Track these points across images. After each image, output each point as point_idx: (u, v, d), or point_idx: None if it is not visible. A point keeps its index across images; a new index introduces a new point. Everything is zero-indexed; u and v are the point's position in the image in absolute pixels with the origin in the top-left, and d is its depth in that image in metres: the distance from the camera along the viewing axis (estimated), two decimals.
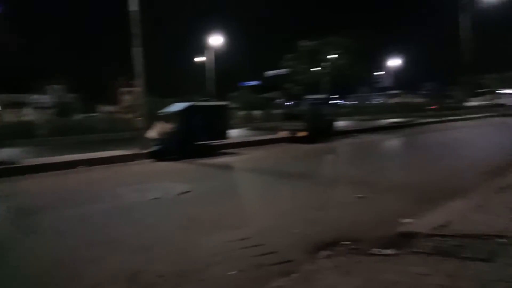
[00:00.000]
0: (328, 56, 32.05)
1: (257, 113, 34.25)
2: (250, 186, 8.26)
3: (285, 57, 33.63)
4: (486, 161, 9.59)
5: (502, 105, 39.72)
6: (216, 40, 40.09)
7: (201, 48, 43.03)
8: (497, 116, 32.08)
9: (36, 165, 10.79)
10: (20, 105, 43.09)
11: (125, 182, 8.82)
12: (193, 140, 12.74)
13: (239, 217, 5.69)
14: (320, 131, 16.60)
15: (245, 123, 30.60)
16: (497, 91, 55.89)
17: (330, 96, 24.86)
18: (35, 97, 46.17)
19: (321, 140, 15.97)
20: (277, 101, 33.57)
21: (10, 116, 34.65)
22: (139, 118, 14.55)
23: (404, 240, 4.07)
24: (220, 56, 42.76)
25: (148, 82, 14.69)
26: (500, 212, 4.88)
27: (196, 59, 45.51)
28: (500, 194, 5.83)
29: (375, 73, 71.64)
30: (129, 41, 13.74)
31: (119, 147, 13.38)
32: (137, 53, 13.78)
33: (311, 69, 32.74)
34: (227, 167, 11.03)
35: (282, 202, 6.53)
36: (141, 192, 7.48)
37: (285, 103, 23.42)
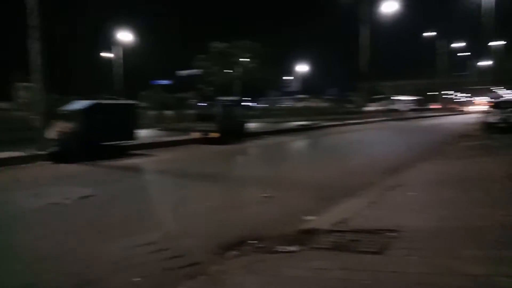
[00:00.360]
0: (240, 59, 32.54)
1: (169, 113, 33.38)
2: (158, 189, 8.03)
3: (198, 57, 33.33)
4: (382, 161, 10.53)
5: (396, 110, 43.94)
6: (125, 36, 38.39)
7: (109, 44, 40.88)
8: (391, 120, 35.47)
9: None
10: None
11: (19, 187, 8.01)
12: (97, 141, 11.98)
13: (145, 221, 5.49)
14: (232, 132, 16.77)
15: (156, 123, 29.64)
16: (391, 97, 61.85)
17: (242, 98, 25.27)
18: None
19: (233, 142, 16.14)
20: (190, 101, 33.13)
21: None
22: (37, 116, 13.29)
23: (306, 237, 4.27)
24: (130, 53, 41.00)
25: (49, 78, 13.50)
26: (391, 208, 5.38)
27: (103, 54, 43.03)
28: (391, 192, 6.43)
29: (284, 78, 74.65)
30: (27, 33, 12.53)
31: (13, 148, 12.06)
32: (34, 46, 12.60)
33: (224, 71, 32.92)
34: (134, 169, 10.59)
35: (191, 204, 6.46)
36: (37, 197, 6.83)
37: (198, 104, 23.21)
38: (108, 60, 42.15)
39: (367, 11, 34.75)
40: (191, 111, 21.18)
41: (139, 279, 3.57)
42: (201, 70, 34.79)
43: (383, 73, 60.86)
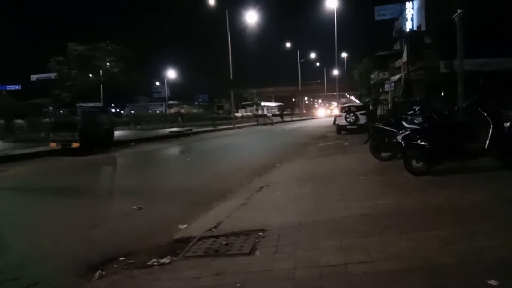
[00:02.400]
0: (103, 63, 30.48)
1: (20, 122, 29.53)
2: (5, 209, 6.97)
3: (54, 60, 30.10)
4: (251, 163, 10.99)
5: (263, 116, 46.47)
6: None
7: None
8: (258, 125, 37.42)
9: None
10: None
11: None
12: None
13: None
14: (96, 141, 15.60)
15: (4, 133, 25.94)
16: (258, 103, 65.36)
17: (107, 104, 23.69)
18: None
19: (97, 151, 15.02)
20: (46, 108, 29.78)
21: None
22: None
23: (179, 246, 4.20)
24: None
25: None
26: (259, 208, 5.63)
27: None
28: (259, 192, 6.75)
29: (153, 83, 72.84)
30: None
31: None
32: None
33: (85, 75, 30.39)
34: None
35: (49, 223, 5.76)
36: None
37: (55, 111, 20.98)
38: None
39: (230, 20, 36.07)
40: (47, 119, 19.08)
41: None
42: (56, 74, 31.47)
43: (250, 80, 64.07)
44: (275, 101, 76.92)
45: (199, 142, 20.65)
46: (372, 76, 36.91)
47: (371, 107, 24.35)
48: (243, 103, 64.85)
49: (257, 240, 4.11)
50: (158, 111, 62.42)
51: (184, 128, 27.79)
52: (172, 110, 52.17)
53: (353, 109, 20.97)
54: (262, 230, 4.41)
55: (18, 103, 33.26)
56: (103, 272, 3.70)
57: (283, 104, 72.63)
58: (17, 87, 50.30)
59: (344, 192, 6.15)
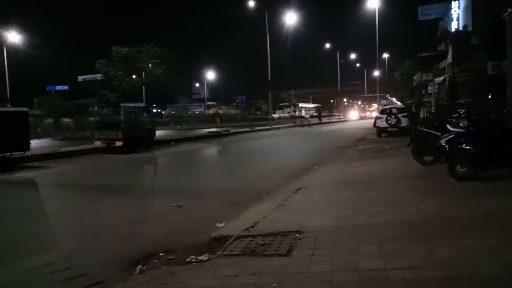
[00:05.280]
0: (146, 65, 31.50)
1: (68, 121, 31.02)
2: (56, 204, 7.37)
3: (99, 62, 31.49)
4: (288, 165, 10.97)
5: (301, 117, 46.24)
6: (12, 36, 34.86)
7: None
8: (296, 126, 37.25)
9: None
10: None
11: None
12: None
13: (43, 241, 5.03)
14: (139, 140, 16.13)
15: (53, 132, 27.33)
16: (296, 105, 65.07)
17: (149, 105, 24.43)
18: None
19: (140, 150, 15.53)
20: (92, 108, 31.11)
21: None
22: None
23: (217, 245, 4.27)
24: (21, 55, 37.30)
25: None
26: (296, 210, 5.62)
27: None
28: (297, 194, 6.73)
29: (193, 85, 74.33)
30: None
31: None
32: None
33: (129, 77, 31.53)
34: (29, 183, 9.60)
35: (94, 219, 6.04)
36: None
37: (101, 111, 21.89)
38: None
39: (269, 21, 36.14)
40: (93, 119, 19.90)
41: None
42: (102, 75, 32.86)
43: (288, 81, 63.93)
44: (313, 102, 76.25)
45: (237, 143, 20.84)
46: (415, 78, 35.83)
47: (413, 109, 23.61)
48: (280, 104, 64.77)
49: (294, 242, 4.11)
50: (197, 112, 63.59)
51: (222, 129, 28.13)
52: (211, 111, 52.98)
53: (394, 111, 20.42)
54: (299, 232, 4.40)
55: (66, 103, 34.96)
56: (144, 267, 3.83)
57: (321, 105, 71.88)
58: (65, 87, 52.79)
59: (385, 196, 6.01)
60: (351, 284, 3.01)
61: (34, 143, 12.51)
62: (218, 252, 3.99)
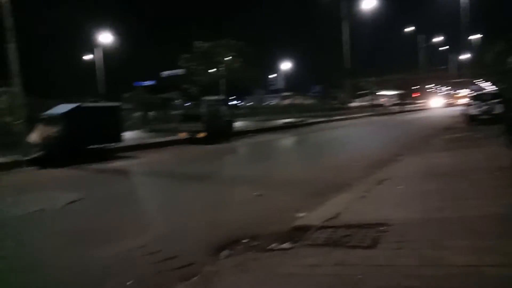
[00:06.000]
0: (225, 58, 32.43)
1: (153, 114, 33.18)
2: (147, 191, 7.97)
3: (181, 57, 33.18)
4: (369, 155, 10.63)
5: (380, 105, 44.43)
6: (105, 37, 38.01)
7: (90, 46, 40.38)
8: (376, 115, 35.86)
9: None
10: None
11: (2, 194, 7.83)
12: (82, 144, 11.84)
13: (136, 224, 5.45)
14: (219, 131, 16.75)
15: (141, 124, 29.41)
16: (375, 93, 62.48)
17: (227, 97, 25.18)
18: None
19: (220, 141, 16.12)
20: (175, 102, 32.88)
21: None
22: (18, 122, 13.05)
23: (299, 234, 4.30)
24: (112, 54, 40.56)
25: (29, 82, 13.28)
26: (380, 202, 5.44)
27: (85, 57, 42.58)
28: (380, 186, 6.51)
29: (269, 76, 74.85)
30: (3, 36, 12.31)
31: None
32: (11, 50, 12.37)
33: (209, 71, 32.78)
34: (121, 172, 10.48)
35: (181, 205, 6.43)
36: (22, 204, 6.71)
37: (184, 104, 23.08)
38: (89, 62, 41.60)
39: (347, 7, 35.01)
40: (177, 112, 21.03)
41: (132, 282, 3.54)
42: (184, 70, 34.57)
43: (366, 68, 61.54)
44: (394, 89, 72.59)
45: (314, 133, 20.66)
46: (510, 60, 32.41)
47: (508, 95, 21.41)
48: (359, 92, 62.67)
49: (378, 234, 3.99)
50: (273, 103, 64.01)
51: (299, 119, 28.04)
52: (287, 102, 52.99)
53: (487, 97, 18.73)
54: (383, 224, 4.26)
55: (152, 97, 37.33)
56: (230, 252, 4.00)
57: (403, 92, 68.15)
58: (151, 82, 56.23)
59: (475, 189, 5.58)
60: (440, 279, 2.86)
61: (125, 135, 13.58)
62: (301, 241, 4.02)
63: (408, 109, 47.27)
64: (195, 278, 3.36)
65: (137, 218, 5.81)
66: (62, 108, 12.27)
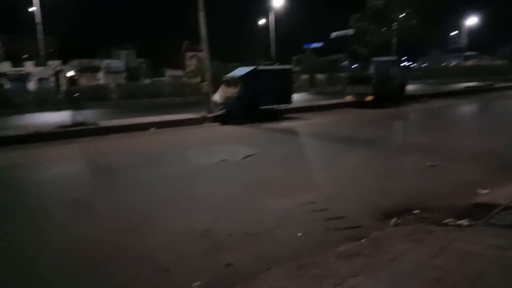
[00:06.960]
0: (400, 16, 29.99)
1: (321, 76, 33.49)
2: (315, 152, 8.26)
3: (352, 17, 32.09)
4: None
5: None
6: (277, 1, 39.40)
7: (263, 11, 42.52)
8: None
9: (112, 126, 11.60)
10: (94, 69, 45.80)
11: (193, 145, 9.20)
12: (257, 105, 12.85)
13: (305, 182, 5.74)
14: (389, 95, 15.92)
15: (308, 87, 30.13)
16: None
17: (400, 58, 23.36)
18: (108, 62, 48.70)
19: (389, 105, 15.36)
20: (342, 64, 32.41)
21: (85, 80, 36.41)
22: (205, 83, 14.89)
23: (480, 211, 3.90)
24: (283, 18, 41.98)
25: (212, 46, 14.85)
26: None
27: (259, 23, 45.21)
28: None
29: (448, 34, 66.36)
30: (195, 4, 13.85)
31: (186, 111, 13.89)
32: (202, 17, 13.91)
33: (381, 30, 30.96)
34: (291, 132, 11.06)
35: (349, 168, 6.46)
36: (209, 154, 7.78)
37: (351, 66, 22.53)
38: (263, 26, 43.94)
39: None
40: (344, 74, 20.75)
41: (301, 234, 3.80)
42: (354, 30, 33.45)
43: None
44: None
45: (501, 100, 17.79)
46: None
47: None
48: None
49: None
50: (453, 64, 56.95)
51: (484, 83, 24.44)
52: (470, 63, 46.53)
53: None
54: None
55: (319, 59, 37.56)
56: (399, 221, 3.90)
57: None
58: (319, 45, 56.34)
59: None
60: None
61: (293, 97, 14.15)
62: (482, 220, 3.64)
63: None
64: (363, 240, 3.41)
65: (306, 177, 6.10)
66: (241, 70, 13.46)
